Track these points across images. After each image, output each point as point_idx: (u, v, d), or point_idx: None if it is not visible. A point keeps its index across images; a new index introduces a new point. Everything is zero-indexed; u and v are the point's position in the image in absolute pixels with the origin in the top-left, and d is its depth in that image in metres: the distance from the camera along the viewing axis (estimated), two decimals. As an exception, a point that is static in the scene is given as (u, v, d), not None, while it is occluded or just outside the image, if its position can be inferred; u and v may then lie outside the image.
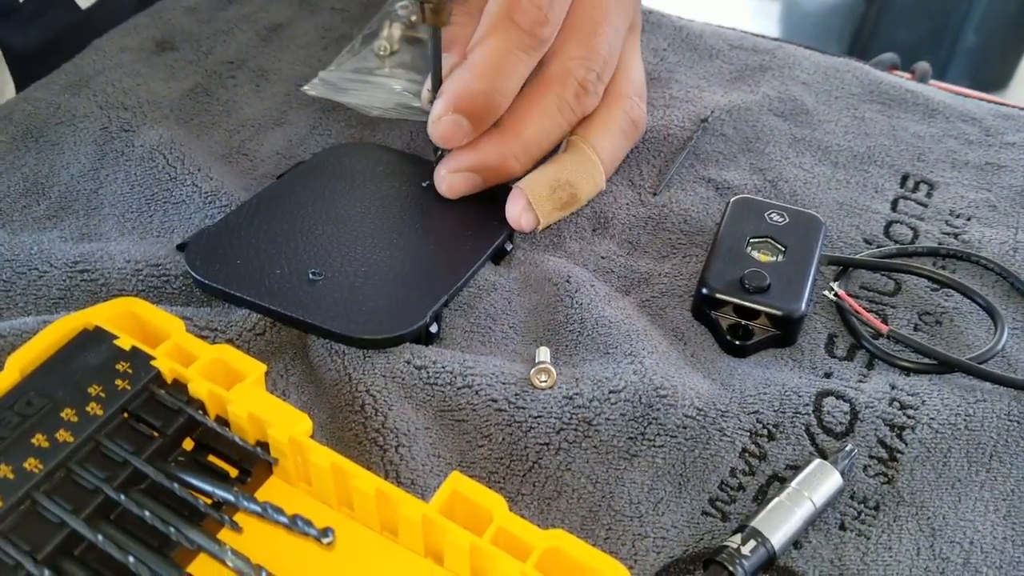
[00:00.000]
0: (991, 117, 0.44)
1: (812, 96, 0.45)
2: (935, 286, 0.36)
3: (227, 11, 0.47)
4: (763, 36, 0.49)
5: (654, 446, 0.29)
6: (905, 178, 0.41)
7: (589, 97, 0.36)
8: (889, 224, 0.38)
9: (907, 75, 0.50)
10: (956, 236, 0.38)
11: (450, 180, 0.35)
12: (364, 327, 0.30)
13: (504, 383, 0.30)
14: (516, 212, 0.35)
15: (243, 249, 0.33)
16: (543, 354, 0.31)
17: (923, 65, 0.50)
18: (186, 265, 0.32)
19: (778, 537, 0.27)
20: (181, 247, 0.33)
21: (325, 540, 0.23)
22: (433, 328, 0.32)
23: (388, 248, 0.34)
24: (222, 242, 0.33)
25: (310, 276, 0.32)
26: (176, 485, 0.25)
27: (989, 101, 0.46)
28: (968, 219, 0.39)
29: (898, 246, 0.37)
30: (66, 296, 0.32)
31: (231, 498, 0.24)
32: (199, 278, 0.31)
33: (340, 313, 0.31)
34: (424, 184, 0.37)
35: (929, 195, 0.40)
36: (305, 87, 0.42)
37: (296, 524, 0.23)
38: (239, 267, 0.32)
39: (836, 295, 0.34)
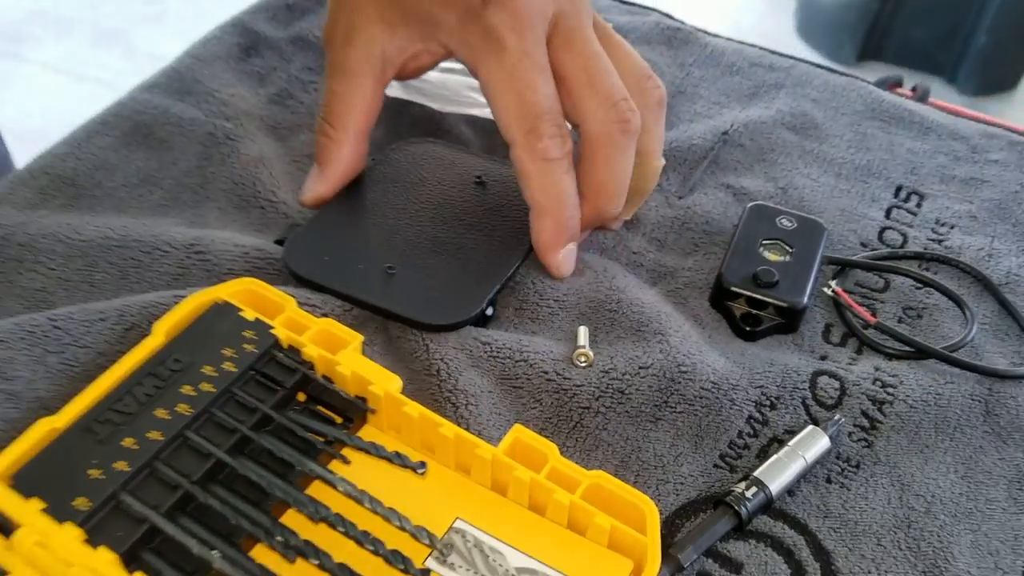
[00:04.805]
0: (978, 136, 0.50)
1: (821, 112, 0.50)
2: (919, 285, 0.42)
3: (303, 20, 0.53)
4: (779, 54, 0.55)
5: (675, 412, 0.36)
6: (899, 189, 0.47)
7: (632, 122, 0.38)
8: (883, 230, 0.44)
9: (909, 92, 0.56)
10: (940, 242, 0.44)
11: (558, 263, 0.39)
12: (433, 314, 0.37)
13: (553, 359, 0.36)
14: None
15: (330, 246, 0.39)
16: (582, 335, 0.38)
17: (924, 84, 0.55)
18: (285, 260, 0.38)
19: (775, 485, 0.33)
20: (279, 242, 0.39)
21: (420, 471, 0.29)
22: (489, 312, 0.38)
23: (449, 240, 0.40)
24: (313, 240, 0.39)
25: (386, 269, 0.38)
26: (297, 426, 0.31)
27: (978, 121, 0.52)
28: (952, 227, 0.45)
29: (889, 249, 0.43)
30: (184, 274, 0.38)
31: (343, 437, 0.30)
32: (296, 272, 0.38)
33: (413, 302, 0.37)
34: (475, 180, 0.43)
35: (919, 205, 0.46)
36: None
37: (397, 458, 0.30)
38: (328, 262, 0.38)
39: (833, 291, 0.40)
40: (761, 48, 0.56)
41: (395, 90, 0.48)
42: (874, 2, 1.88)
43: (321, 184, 0.41)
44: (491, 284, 0.38)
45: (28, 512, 0.28)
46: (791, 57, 0.55)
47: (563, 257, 0.39)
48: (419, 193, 0.42)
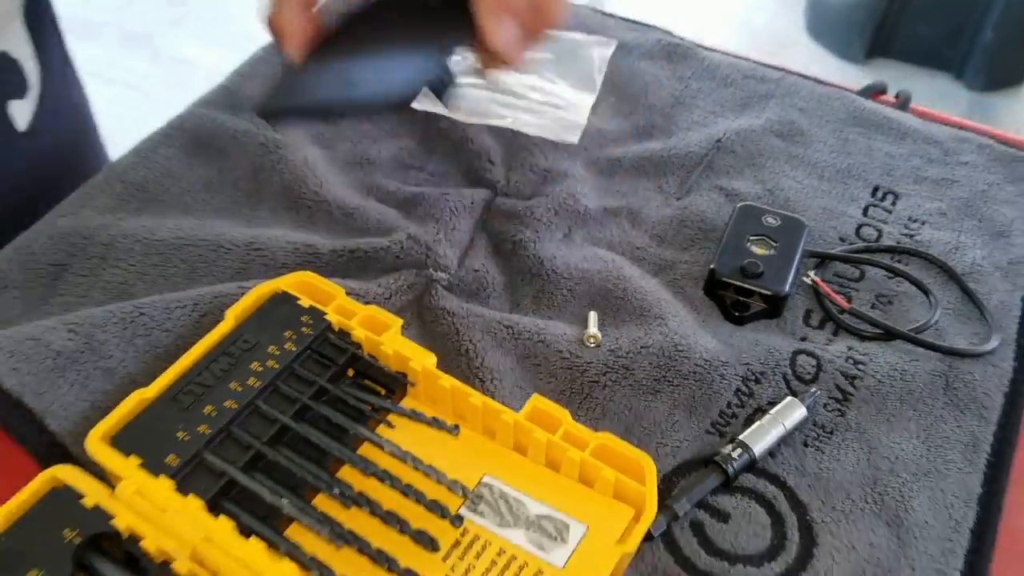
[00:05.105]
0: (950, 140, 0.55)
1: (806, 120, 0.56)
2: (890, 275, 0.47)
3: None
4: (770, 66, 0.60)
5: (672, 386, 0.41)
6: (876, 189, 0.52)
7: None
8: (860, 226, 0.49)
9: (892, 99, 0.60)
10: (911, 237, 0.49)
11: (495, 31, 0.39)
12: (394, 94, 0.41)
13: (567, 340, 0.42)
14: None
15: (292, 87, 0.42)
16: (592, 320, 0.43)
17: (905, 92, 0.60)
18: (258, 111, 0.43)
19: (758, 448, 0.38)
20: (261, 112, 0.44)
21: (455, 432, 0.35)
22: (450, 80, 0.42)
23: (398, 40, 0.43)
24: (278, 90, 0.43)
25: (347, 78, 0.41)
26: (349, 397, 0.37)
27: (951, 125, 0.56)
28: (922, 223, 0.50)
29: (865, 244, 0.48)
30: (245, 268, 0.44)
31: (388, 406, 0.36)
32: (263, 112, 0.43)
33: (379, 90, 0.41)
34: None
35: (894, 204, 0.51)
36: (413, 104, 0.53)
37: (434, 422, 0.35)
38: (291, 95, 0.42)
39: (813, 280, 0.45)
40: (754, 62, 0.61)
41: (424, 104, 0.53)
42: (882, 0, 1.92)
43: (287, 52, 0.42)
44: (439, 57, 0.41)
45: (128, 467, 0.33)
46: (781, 69, 0.60)
47: (502, 28, 0.39)
48: (371, 26, 0.44)
